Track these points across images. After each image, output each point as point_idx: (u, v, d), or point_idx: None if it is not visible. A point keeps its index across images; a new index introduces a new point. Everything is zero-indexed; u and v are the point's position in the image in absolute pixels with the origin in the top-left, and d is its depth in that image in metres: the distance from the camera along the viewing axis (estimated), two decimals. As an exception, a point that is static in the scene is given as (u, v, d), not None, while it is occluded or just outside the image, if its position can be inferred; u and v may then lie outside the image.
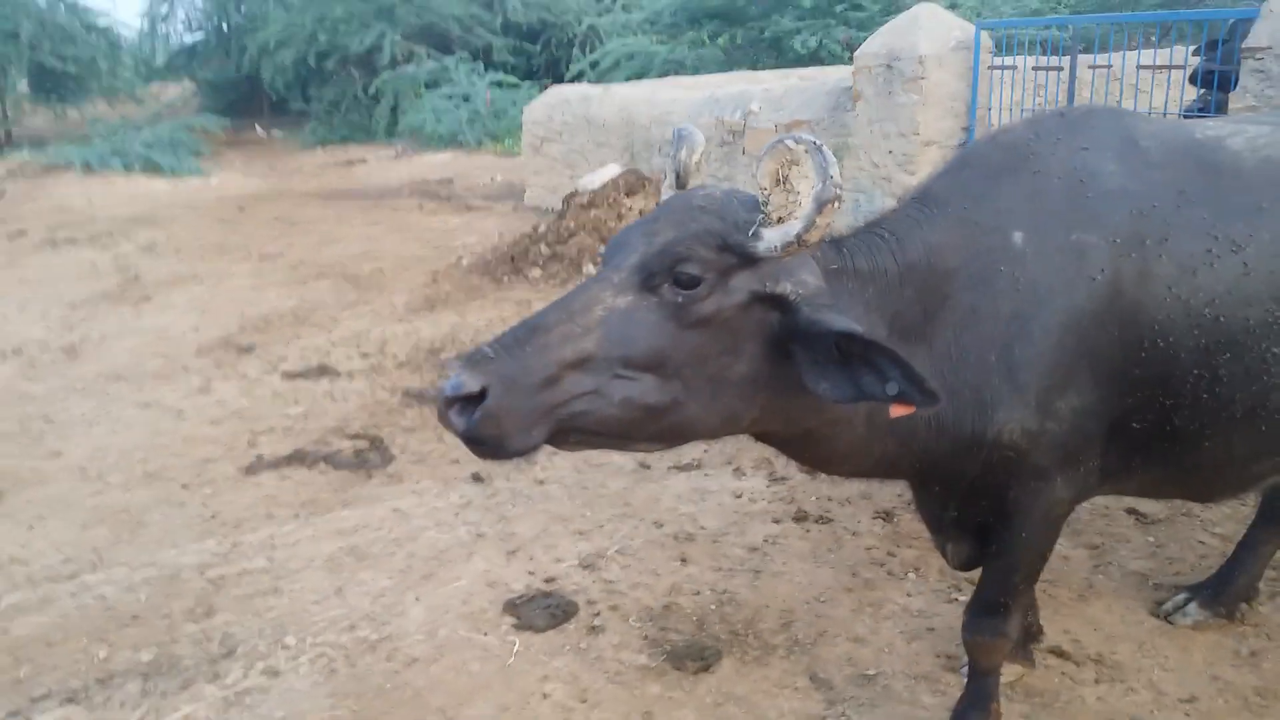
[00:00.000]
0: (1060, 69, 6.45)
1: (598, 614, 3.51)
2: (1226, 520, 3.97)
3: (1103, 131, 2.42)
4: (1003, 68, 6.85)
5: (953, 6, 16.73)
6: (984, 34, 7.01)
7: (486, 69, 21.11)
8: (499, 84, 19.55)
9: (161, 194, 14.53)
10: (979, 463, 2.31)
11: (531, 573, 3.78)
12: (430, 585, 3.70)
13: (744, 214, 1.97)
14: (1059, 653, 3.20)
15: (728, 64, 17.83)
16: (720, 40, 18.09)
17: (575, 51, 23.13)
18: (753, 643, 3.33)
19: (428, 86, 20.13)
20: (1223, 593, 3.30)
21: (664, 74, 17.63)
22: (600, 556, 3.90)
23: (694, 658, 3.24)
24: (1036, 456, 2.29)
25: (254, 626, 3.43)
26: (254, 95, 26.94)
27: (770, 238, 1.90)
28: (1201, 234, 2.28)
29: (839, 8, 16.42)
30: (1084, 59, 6.38)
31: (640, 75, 18.31)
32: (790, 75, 10.56)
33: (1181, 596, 3.38)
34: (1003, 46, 7.05)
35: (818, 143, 1.85)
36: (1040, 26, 7.44)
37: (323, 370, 6.27)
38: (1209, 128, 2.54)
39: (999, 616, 2.57)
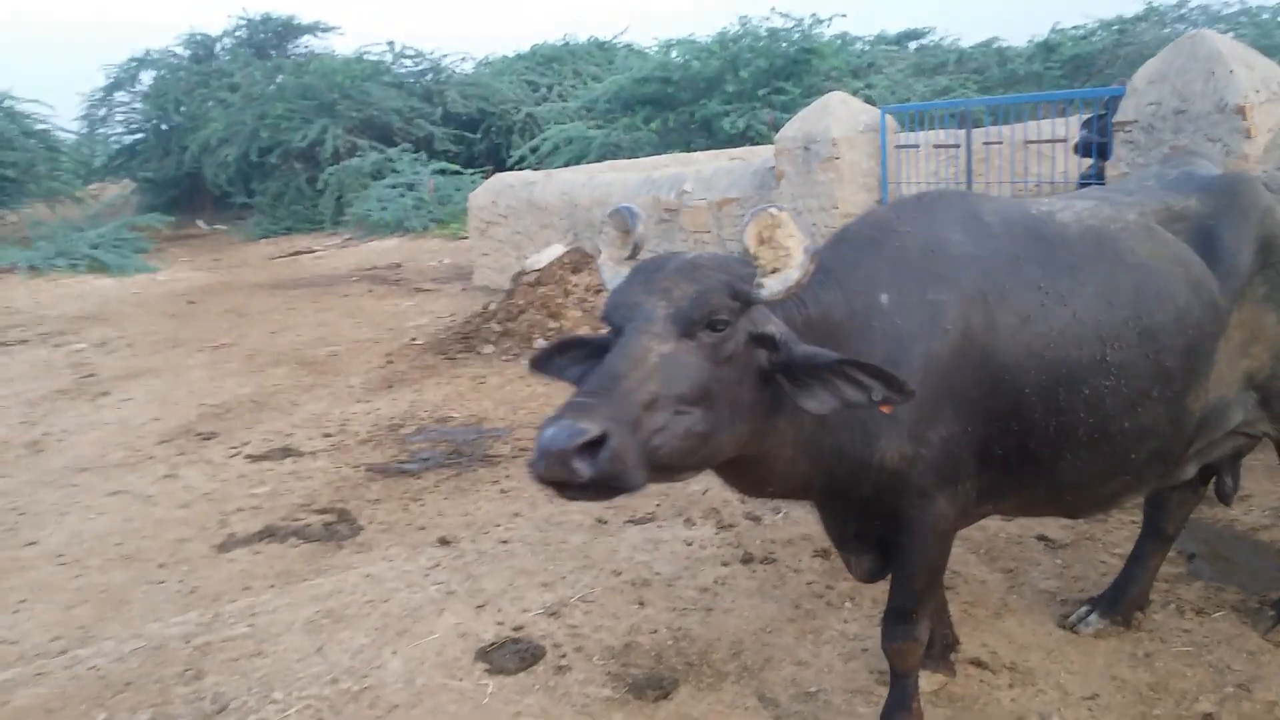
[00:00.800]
0: (957, 145, 7.12)
1: (564, 655, 3.81)
2: (1126, 542, 4.41)
3: (952, 210, 2.93)
4: (907, 146, 7.51)
5: (869, 87, 17.86)
6: (889, 117, 7.68)
7: (430, 158, 21.76)
8: (442, 171, 20.15)
9: (109, 291, 14.67)
10: (871, 484, 2.72)
11: (500, 623, 4.07)
12: (405, 640, 3.97)
13: (740, 268, 2.40)
14: (978, 663, 3.58)
15: (663, 145, 18.69)
16: (653, 124, 18.95)
17: (515, 138, 23.96)
18: (706, 671, 3.66)
19: (373, 177, 20.65)
20: (1119, 603, 3.72)
21: (602, 157, 18.41)
22: (564, 605, 4.20)
23: (654, 687, 3.55)
24: (916, 478, 2.72)
25: (242, 685, 3.67)
26: (195, 191, 27.28)
27: (772, 285, 2.33)
28: (1035, 290, 2.78)
29: (762, 92, 17.44)
30: (979, 134, 7.06)
31: (579, 159, 19.07)
32: (720, 156, 11.25)
33: (1084, 609, 3.80)
34: (910, 124, 7.72)
35: (795, 210, 2.33)
36: (941, 109, 8.14)
37: (286, 451, 6.52)
38: (1043, 204, 3.07)
39: (909, 622, 2.95)
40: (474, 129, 25.52)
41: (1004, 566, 4.31)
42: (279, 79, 25.19)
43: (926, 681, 3.41)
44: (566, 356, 2.65)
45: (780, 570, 4.39)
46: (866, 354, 2.61)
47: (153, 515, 5.57)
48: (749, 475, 2.67)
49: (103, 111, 29.09)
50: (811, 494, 2.84)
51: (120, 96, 29.23)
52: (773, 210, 2.33)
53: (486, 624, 4.07)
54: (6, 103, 23.66)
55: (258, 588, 4.55)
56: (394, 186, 19.64)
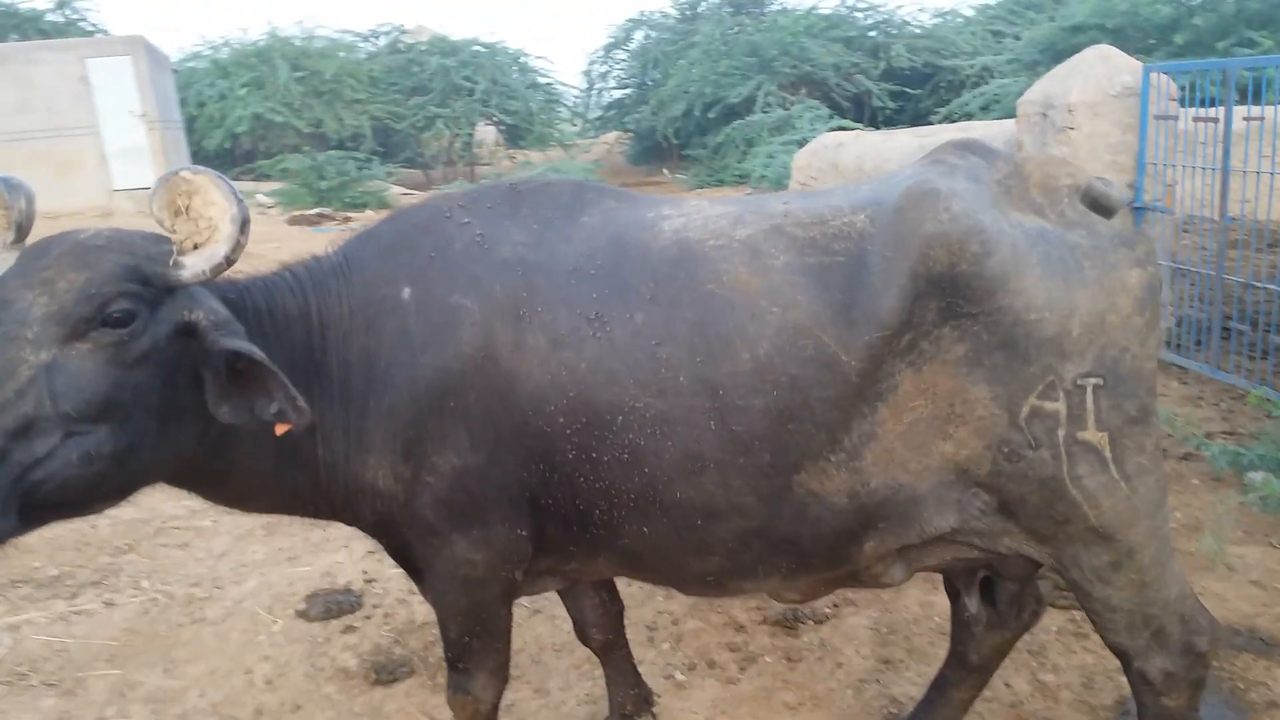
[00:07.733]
0: (1215, 120, 5.31)
1: (368, 617, 3.86)
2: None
3: (544, 204, 2.40)
4: (1165, 117, 5.77)
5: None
6: (1155, 77, 5.94)
7: (857, 115, 21.22)
8: (841, 129, 19.52)
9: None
10: (371, 510, 2.38)
11: (365, 571, 4.22)
12: (285, 566, 4.31)
13: (151, 247, 2.04)
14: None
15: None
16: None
17: (966, 93, 22.24)
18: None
19: (775, 132, 20.79)
20: (903, 739, 2.79)
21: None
22: (435, 571, 4.22)
23: (386, 672, 3.47)
24: (423, 510, 2.31)
25: (139, 568, 4.31)
26: (666, 143, 29.82)
27: (194, 264, 2.02)
28: (577, 311, 2.19)
29: (1221, 44, 14.04)
30: (1240, 110, 5.18)
31: (1012, 114, 17.17)
32: (993, 125, 9.54)
33: (870, 735, 2.91)
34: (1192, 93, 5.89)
35: (218, 173, 2.04)
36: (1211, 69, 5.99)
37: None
38: (668, 207, 2.38)
39: (459, 674, 2.56)
40: (921, 84, 24.26)
41: (885, 658, 3.39)
42: (737, 37, 26.24)
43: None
44: None
45: (633, 591, 3.92)
46: (374, 353, 2.30)
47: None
48: (224, 490, 2.34)
49: (603, 69, 32.90)
50: (320, 513, 2.50)
51: (618, 55, 32.79)
52: (185, 174, 2.00)
53: (356, 570, 4.25)
54: (522, 59, 27.99)
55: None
56: (787, 142, 19.55)
